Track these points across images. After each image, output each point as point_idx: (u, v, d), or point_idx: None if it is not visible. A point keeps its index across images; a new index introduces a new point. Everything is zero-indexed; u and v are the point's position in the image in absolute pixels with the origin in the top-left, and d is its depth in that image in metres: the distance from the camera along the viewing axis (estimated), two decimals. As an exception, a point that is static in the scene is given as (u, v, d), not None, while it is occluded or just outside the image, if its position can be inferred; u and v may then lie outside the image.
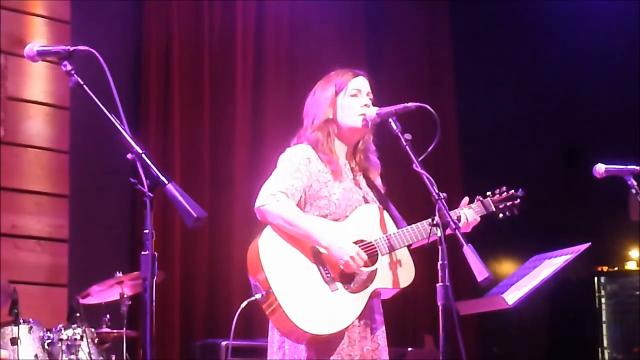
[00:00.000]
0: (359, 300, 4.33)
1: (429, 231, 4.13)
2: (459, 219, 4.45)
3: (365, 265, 4.33)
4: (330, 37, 9.50)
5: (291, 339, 4.30)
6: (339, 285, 4.31)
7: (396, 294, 4.46)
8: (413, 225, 4.41)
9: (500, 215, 4.63)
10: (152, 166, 3.12)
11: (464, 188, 9.57)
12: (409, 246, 4.44)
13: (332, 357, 4.29)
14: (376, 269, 4.37)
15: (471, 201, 4.59)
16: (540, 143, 9.97)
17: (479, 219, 4.55)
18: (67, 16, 7.89)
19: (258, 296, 4.25)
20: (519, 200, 4.65)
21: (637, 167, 5.07)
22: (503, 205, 4.63)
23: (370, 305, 4.39)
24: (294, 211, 4.32)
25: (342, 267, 4.29)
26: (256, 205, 4.35)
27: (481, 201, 4.59)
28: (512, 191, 4.66)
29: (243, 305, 4.30)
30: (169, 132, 8.32)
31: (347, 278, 4.33)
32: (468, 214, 4.51)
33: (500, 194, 4.64)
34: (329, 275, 4.31)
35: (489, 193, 4.63)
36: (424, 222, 4.36)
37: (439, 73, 10.37)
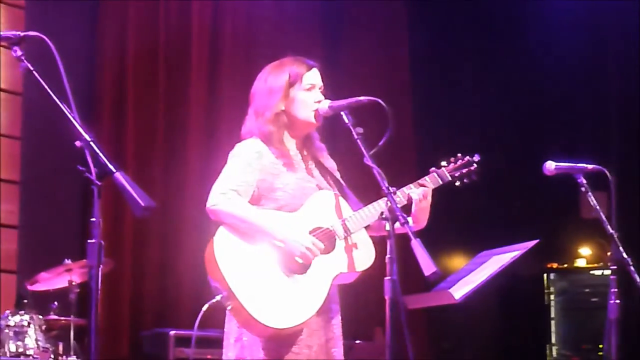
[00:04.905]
0: (321, 289, 4.30)
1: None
2: (410, 199, 4.43)
3: (324, 253, 4.32)
4: (287, 34, 9.48)
5: (254, 333, 4.27)
6: (299, 277, 4.28)
7: (357, 278, 4.42)
8: (369, 205, 4.38)
9: (458, 183, 4.58)
10: (101, 154, 3.11)
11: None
12: (366, 227, 4.42)
13: (292, 349, 4.27)
14: (335, 255, 4.36)
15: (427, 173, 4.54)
16: (493, 139, 9.99)
17: (431, 189, 4.48)
18: (21, 2, 7.83)
19: (219, 297, 4.24)
20: (475, 166, 4.59)
21: (587, 166, 5.08)
22: (459, 173, 4.56)
23: (329, 294, 4.36)
24: (247, 208, 4.29)
25: (300, 260, 4.27)
26: (207, 205, 4.30)
27: (435, 172, 4.54)
28: (468, 157, 4.60)
29: (204, 308, 4.30)
30: (122, 122, 8.29)
31: (307, 268, 4.30)
32: (421, 191, 4.45)
33: (456, 162, 4.59)
34: (288, 268, 4.28)
35: (443, 163, 4.57)
36: (379, 201, 4.33)
37: (396, 69, 10.38)
